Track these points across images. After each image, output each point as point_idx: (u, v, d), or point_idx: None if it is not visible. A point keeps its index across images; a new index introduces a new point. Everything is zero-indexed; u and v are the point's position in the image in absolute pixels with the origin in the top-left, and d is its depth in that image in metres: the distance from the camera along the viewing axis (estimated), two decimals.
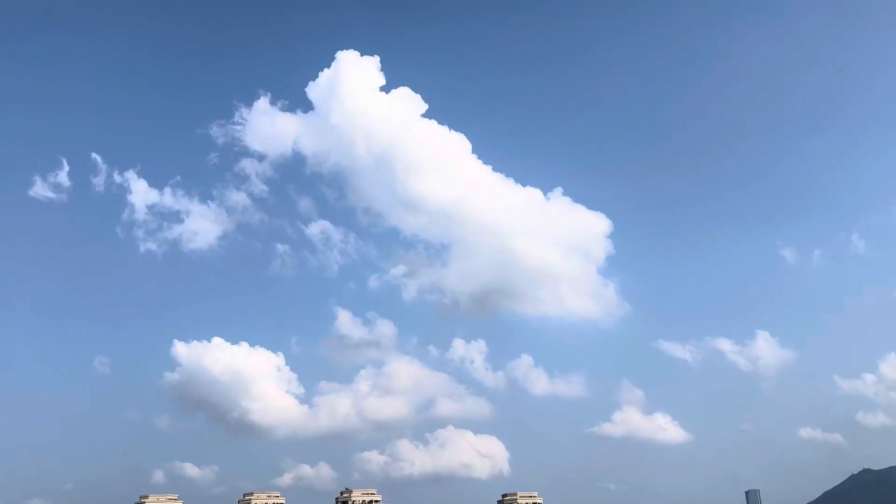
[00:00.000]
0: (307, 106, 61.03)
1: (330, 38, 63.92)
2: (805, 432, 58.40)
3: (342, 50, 63.33)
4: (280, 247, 56.40)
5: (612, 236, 58.08)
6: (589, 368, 54.23)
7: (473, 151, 60.49)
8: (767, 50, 67.71)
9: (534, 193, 61.57)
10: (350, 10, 67.18)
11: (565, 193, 60.03)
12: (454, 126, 59.83)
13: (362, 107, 65.80)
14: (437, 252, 59.00)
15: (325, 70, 62.79)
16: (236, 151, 57.31)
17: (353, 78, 65.09)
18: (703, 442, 56.55)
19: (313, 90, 63.89)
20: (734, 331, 58.17)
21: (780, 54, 68.70)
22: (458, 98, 63.48)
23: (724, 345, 55.46)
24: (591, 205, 57.65)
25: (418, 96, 61.84)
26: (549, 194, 60.68)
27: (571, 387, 56.36)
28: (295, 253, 56.04)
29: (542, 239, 62.56)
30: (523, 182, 59.52)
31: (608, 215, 59.01)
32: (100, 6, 65.84)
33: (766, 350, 57.03)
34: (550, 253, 61.04)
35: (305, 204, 58.23)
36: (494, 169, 60.22)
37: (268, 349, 55.30)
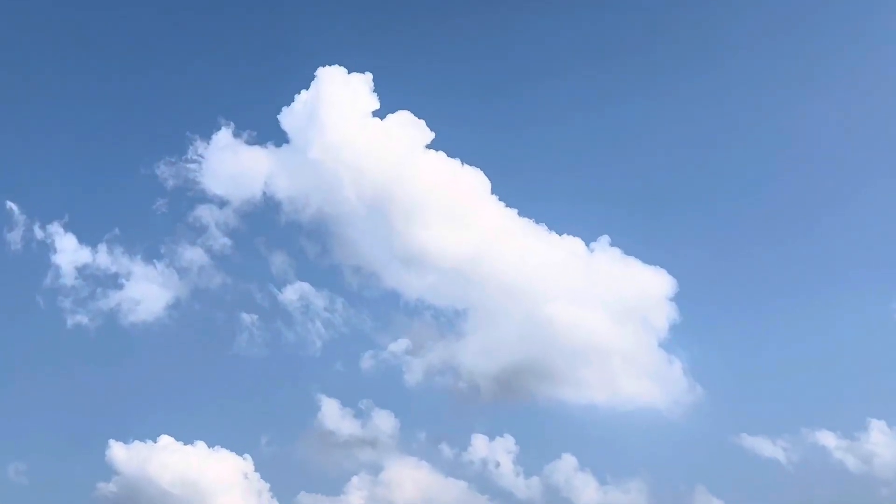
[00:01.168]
0: (280, 138, 59.03)
1: (308, 52, 62.19)
2: None
3: (324, 66, 61.54)
4: (247, 317, 54.62)
5: (677, 299, 55.76)
6: (651, 472, 50.99)
7: (493, 191, 58.17)
8: (875, 58, 65.55)
9: (573, 244, 58.96)
10: (333, 17, 65.51)
11: (613, 244, 57.85)
12: (468, 159, 57.68)
13: (350, 137, 63.53)
14: (449, 321, 56.79)
15: (303, 92, 60.77)
16: (190, 196, 56.16)
17: (338, 101, 62.79)
18: None
19: (288, 118, 61.46)
20: (840, 420, 54.44)
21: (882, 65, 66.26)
22: (471, 124, 61.62)
23: (828, 439, 52.06)
24: (648, 258, 55.90)
25: (422, 122, 59.20)
26: (593, 245, 58.29)
27: (629, 496, 52.54)
28: (266, 325, 54.04)
29: (585, 303, 59.31)
30: (559, 230, 57.53)
31: (670, 272, 56.61)
32: (10, 12, 63.83)
33: (882, 445, 53.17)
34: (597, 321, 57.83)
35: (279, 261, 56.66)
36: (521, 213, 57.85)
37: (231, 451, 52.22)
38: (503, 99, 75.31)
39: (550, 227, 67.31)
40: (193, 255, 61.97)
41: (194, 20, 73.35)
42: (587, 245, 68.55)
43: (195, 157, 64.28)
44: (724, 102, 72.41)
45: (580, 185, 71.69)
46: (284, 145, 66.81)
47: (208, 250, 62.14)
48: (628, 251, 66.83)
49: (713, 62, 73.07)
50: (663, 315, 63.84)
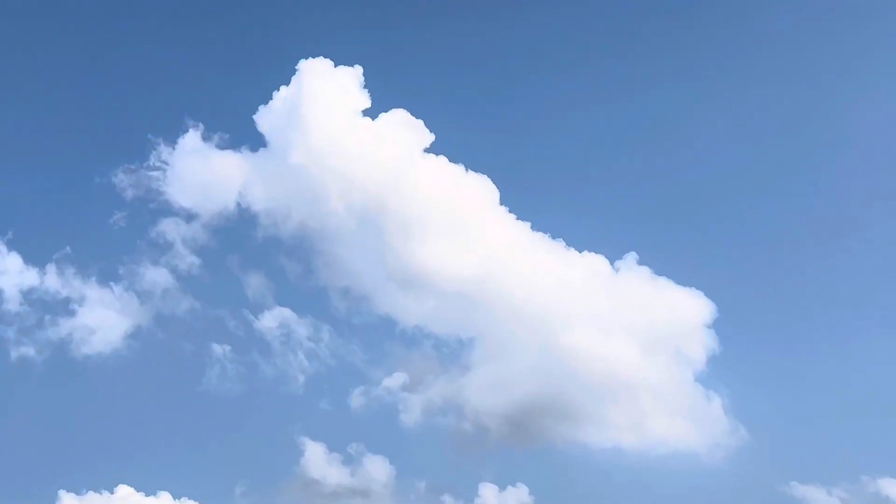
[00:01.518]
0: (257, 141, 63.15)
1: (289, 42, 64.20)
2: None
3: (307, 58, 65.09)
4: (218, 348, 56.85)
5: (716, 326, 56.36)
6: None
7: (503, 202, 61.47)
8: None
9: (595, 262, 61.85)
10: (318, 2, 70.36)
11: (642, 262, 60.33)
12: (473, 165, 60.93)
13: (338, 140, 65.80)
14: (452, 352, 58.75)
15: (283, 88, 64.23)
16: (153, 209, 58.44)
17: (323, 98, 65.12)
18: None
19: (265, 118, 64.52)
20: None
21: None
22: (476, 124, 62.73)
23: (891, 487, 52.18)
24: (682, 279, 55.73)
25: (419, 122, 62.48)
26: (619, 263, 61.21)
27: None
28: (240, 357, 55.04)
29: (609, 330, 61.94)
30: (579, 246, 59.41)
31: (708, 294, 58.17)
32: None
33: None
34: (623, 351, 60.43)
35: (256, 284, 58.56)
36: (534, 227, 61.23)
37: (200, 503, 55.82)
38: (512, 95, 77.42)
39: (569, 243, 70.21)
40: (156, 276, 63.15)
41: (157, 4, 75.22)
42: (611, 263, 71.62)
43: (158, 164, 65.34)
44: (769, 96, 72.28)
45: (602, 194, 73.21)
46: (261, 149, 70.19)
47: (174, 271, 63.25)
48: (659, 271, 68.78)
49: (757, 47, 73.08)
50: (700, 345, 64.85)
